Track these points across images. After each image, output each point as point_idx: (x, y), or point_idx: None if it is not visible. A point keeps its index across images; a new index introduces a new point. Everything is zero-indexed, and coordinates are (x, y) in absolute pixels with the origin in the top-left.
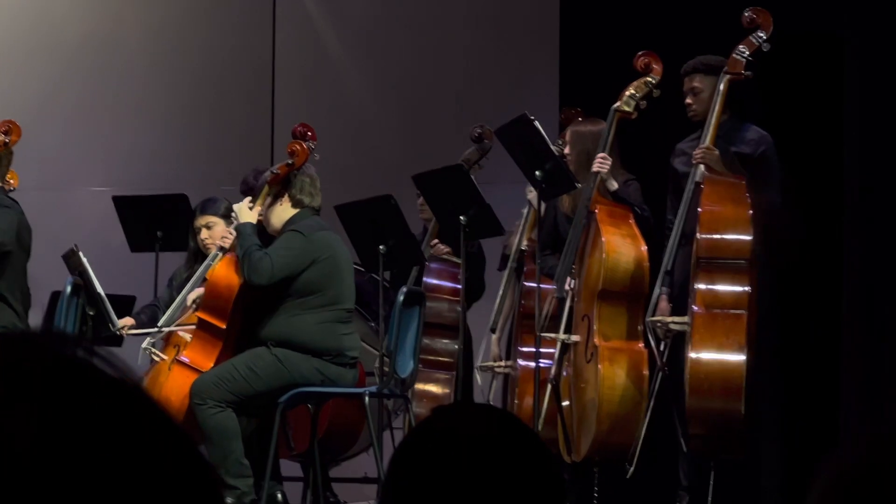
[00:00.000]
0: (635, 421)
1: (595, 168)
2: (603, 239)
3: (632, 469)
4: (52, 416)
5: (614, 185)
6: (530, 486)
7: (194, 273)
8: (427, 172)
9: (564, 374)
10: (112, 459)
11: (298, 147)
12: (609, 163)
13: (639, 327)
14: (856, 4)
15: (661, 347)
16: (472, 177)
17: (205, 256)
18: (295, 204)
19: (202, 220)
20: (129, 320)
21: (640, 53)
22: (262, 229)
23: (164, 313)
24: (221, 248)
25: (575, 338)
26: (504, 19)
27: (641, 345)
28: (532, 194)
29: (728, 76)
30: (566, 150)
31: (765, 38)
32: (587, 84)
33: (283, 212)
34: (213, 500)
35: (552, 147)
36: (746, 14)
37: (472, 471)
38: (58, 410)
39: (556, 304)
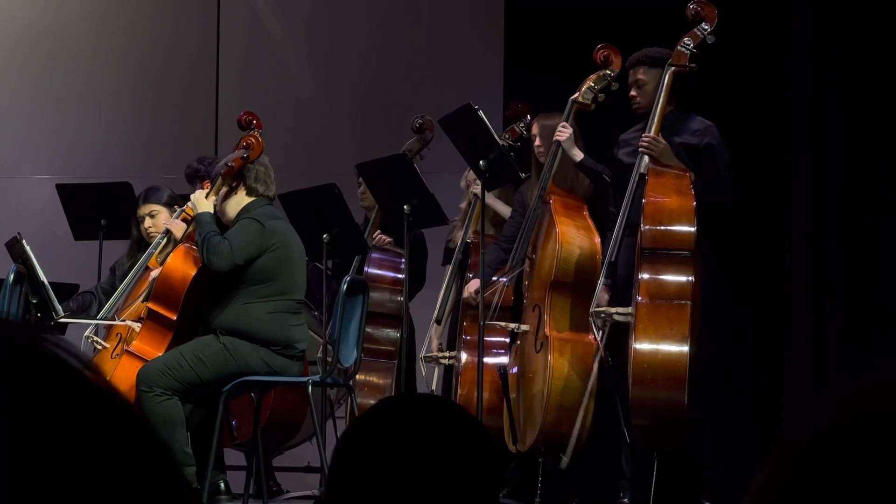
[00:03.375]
0: (580, 413)
1: (556, 137)
2: (557, 230)
3: (566, 460)
4: (17, 404)
5: (580, 156)
6: (471, 474)
7: (137, 261)
8: (370, 161)
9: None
10: (76, 447)
11: (254, 140)
12: (569, 131)
13: (589, 318)
14: None
15: (601, 337)
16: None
17: (147, 245)
18: (249, 192)
19: (145, 209)
20: None
21: (599, 46)
22: (219, 220)
23: (104, 302)
24: (167, 232)
25: (525, 327)
26: (450, 9)
27: (591, 336)
28: (477, 187)
29: (673, 68)
30: (537, 143)
31: (709, 30)
32: (532, 77)
33: (239, 201)
34: (180, 492)
35: (496, 137)
36: (691, 6)
37: (416, 460)
38: (24, 400)
39: (506, 293)
